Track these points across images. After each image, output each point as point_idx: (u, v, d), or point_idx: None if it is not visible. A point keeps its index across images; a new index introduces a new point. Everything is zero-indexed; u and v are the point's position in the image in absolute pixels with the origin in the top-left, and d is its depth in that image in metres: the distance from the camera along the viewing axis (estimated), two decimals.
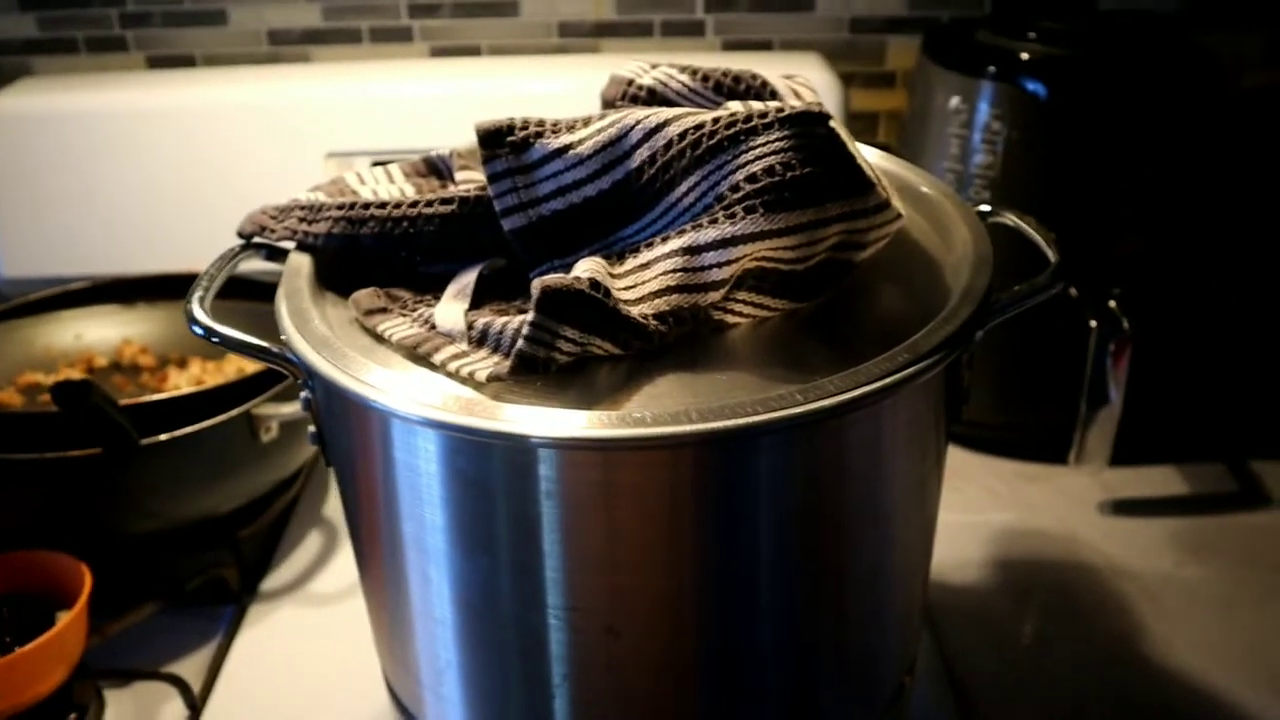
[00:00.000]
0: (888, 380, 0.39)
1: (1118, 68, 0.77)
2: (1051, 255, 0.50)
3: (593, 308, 0.41)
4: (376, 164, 0.57)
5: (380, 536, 0.46)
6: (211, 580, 0.72)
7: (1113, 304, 0.76)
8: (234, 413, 0.68)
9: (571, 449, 0.38)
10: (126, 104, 0.94)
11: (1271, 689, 0.66)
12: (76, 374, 0.83)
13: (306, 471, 0.82)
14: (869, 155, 0.54)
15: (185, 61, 1.03)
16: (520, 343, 0.40)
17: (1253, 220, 0.85)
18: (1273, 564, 0.77)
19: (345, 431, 0.45)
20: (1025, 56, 0.79)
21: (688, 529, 0.41)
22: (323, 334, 0.44)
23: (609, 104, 0.56)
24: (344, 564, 0.77)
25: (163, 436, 0.66)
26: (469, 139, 0.49)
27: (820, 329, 0.46)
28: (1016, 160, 0.80)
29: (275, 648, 0.70)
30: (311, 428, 0.48)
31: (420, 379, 0.42)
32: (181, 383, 0.80)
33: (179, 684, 0.66)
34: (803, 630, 0.45)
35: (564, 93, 0.93)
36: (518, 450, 0.39)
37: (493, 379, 0.41)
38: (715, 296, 0.44)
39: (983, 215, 0.53)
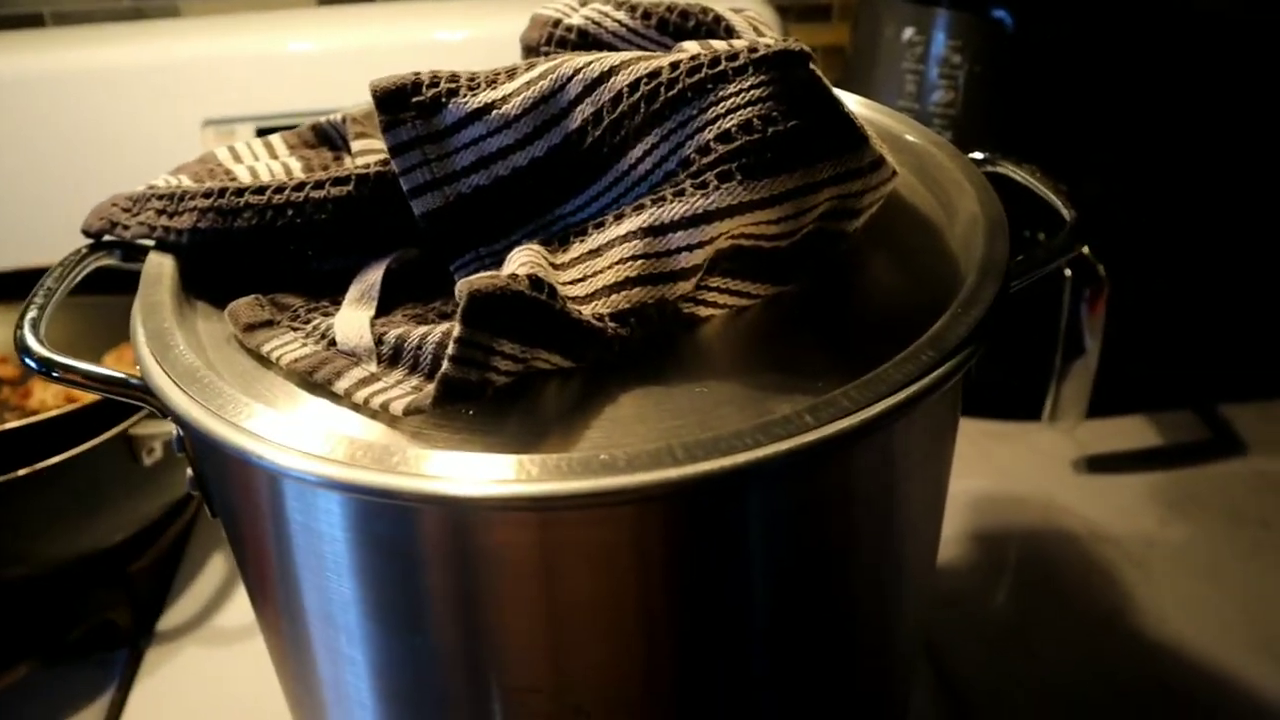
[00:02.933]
0: (915, 388, 0.31)
1: None
2: (1066, 212, 0.43)
3: (534, 312, 0.32)
4: (262, 133, 0.47)
5: (280, 609, 0.37)
6: (98, 625, 0.63)
7: (1085, 249, 0.70)
8: (108, 435, 0.59)
9: (519, 510, 0.29)
10: None
11: (1270, 654, 0.63)
12: None
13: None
14: (847, 101, 0.45)
15: (32, 21, 0.91)
16: (445, 365, 0.31)
17: (1219, 156, 0.80)
18: (1255, 517, 0.74)
19: (228, 486, 0.36)
20: None
21: (660, 588, 0.33)
22: (189, 364, 0.34)
23: (531, 50, 0.47)
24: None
25: (21, 472, 0.56)
26: (366, 99, 0.40)
27: (811, 318, 0.37)
28: (978, 96, 0.73)
29: (178, 695, 0.61)
30: (189, 471, 0.39)
31: (318, 417, 0.33)
32: (47, 398, 0.70)
33: None
34: (803, 682, 0.38)
35: (477, 40, 0.84)
36: (449, 512, 0.30)
37: (411, 412, 0.32)
38: (686, 287, 0.35)
39: (975, 165, 0.46)
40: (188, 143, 0.80)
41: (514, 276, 0.32)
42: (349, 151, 0.47)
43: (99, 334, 0.72)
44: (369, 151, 0.45)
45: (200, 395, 0.32)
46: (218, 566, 0.69)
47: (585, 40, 0.44)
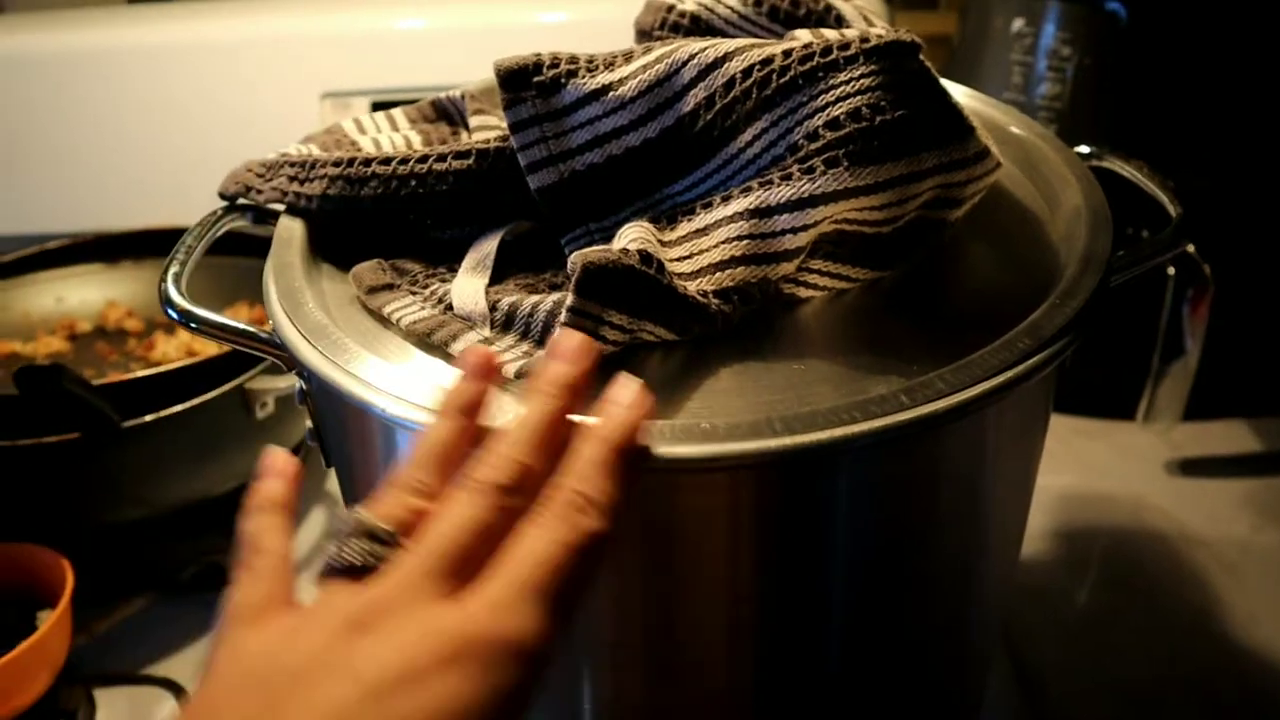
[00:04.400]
0: (1010, 374, 0.32)
1: None
2: (1173, 209, 0.43)
3: (643, 285, 0.34)
4: (377, 107, 0.49)
5: None
6: (207, 567, 0.66)
7: (1191, 248, 0.69)
8: (225, 388, 0.62)
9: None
10: (103, 43, 0.86)
11: None
12: (57, 342, 0.76)
13: (306, 445, 0.76)
14: (953, 92, 0.46)
15: None
16: (557, 330, 0.33)
17: None
18: None
19: (346, 436, 0.39)
20: None
21: (750, 556, 0.34)
22: (317, 321, 0.36)
23: (645, 34, 0.48)
24: None
25: (148, 418, 0.60)
26: (484, 76, 0.42)
27: (909, 304, 0.38)
28: (1087, 90, 0.72)
29: None
30: (309, 423, 0.42)
31: (434, 375, 0.35)
32: (170, 350, 0.73)
33: (172, 688, 0.60)
34: (878, 659, 0.39)
35: (592, 22, 0.85)
36: None
37: (523, 374, 0.34)
38: (788, 268, 0.37)
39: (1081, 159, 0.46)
40: (307, 114, 0.83)
41: (625, 251, 0.34)
42: (466, 127, 0.49)
43: (217, 293, 0.75)
44: (486, 128, 0.47)
45: (327, 350, 0.35)
46: (318, 518, 0.72)
47: (698, 26, 0.45)
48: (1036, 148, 0.46)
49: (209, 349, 0.71)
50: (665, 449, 0.30)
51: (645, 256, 0.34)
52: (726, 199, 0.37)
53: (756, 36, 0.43)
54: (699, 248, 0.36)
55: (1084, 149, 0.47)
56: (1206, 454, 0.78)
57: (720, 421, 0.30)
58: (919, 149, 0.36)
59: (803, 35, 0.40)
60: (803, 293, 0.38)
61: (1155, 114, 0.71)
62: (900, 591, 0.37)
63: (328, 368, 0.34)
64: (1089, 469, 0.78)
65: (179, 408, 0.60)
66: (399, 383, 0.33)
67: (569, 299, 0.33)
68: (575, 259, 0.33)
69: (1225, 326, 0.76)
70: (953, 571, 0.38)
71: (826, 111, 0.36)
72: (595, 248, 0.34)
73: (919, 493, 0.35)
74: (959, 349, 0.34)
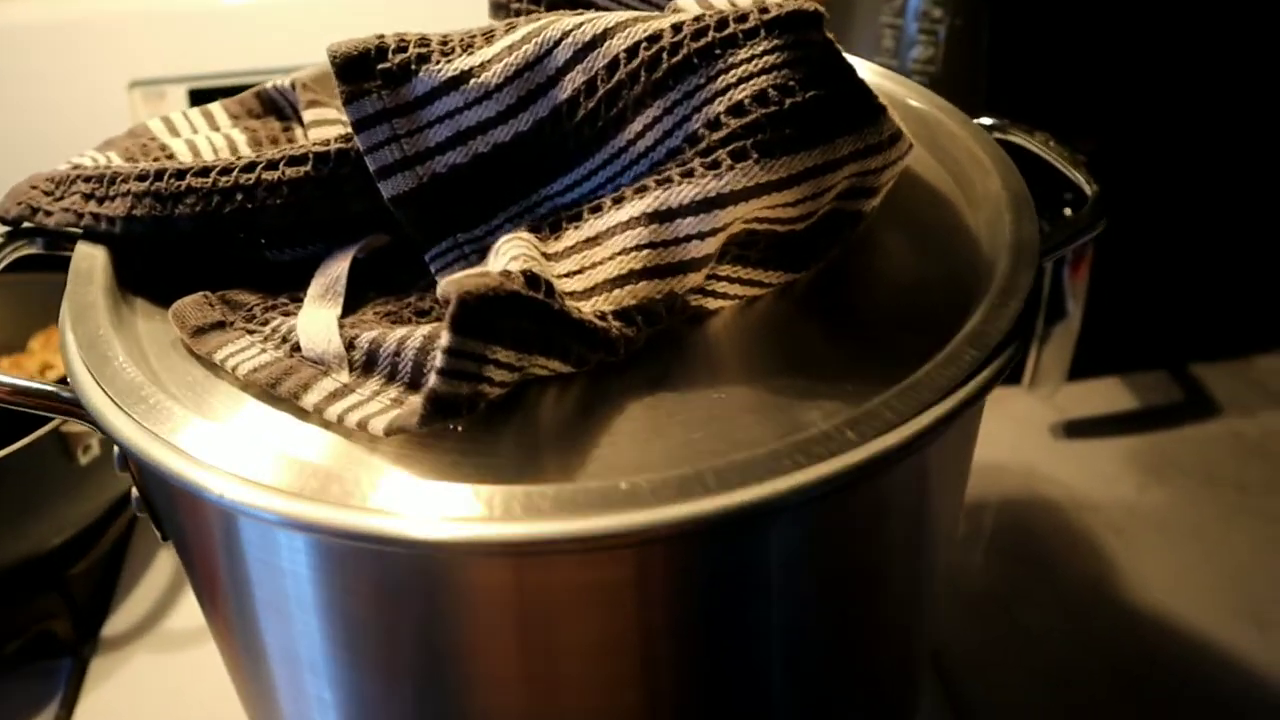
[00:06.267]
0: (962, 393, 0.28)
1: None
2: (1088, 186, 0.40)
3: (532, 314, 0.28)
4: (197, 97, 0.42)
5: (241, 644, 0.33)
6: (37, 637, 0.58)
7: (1068, 211, 0.68)
8: (39, 434, 0.54)
9: (526, 554, 0.25)
10: None
11: (1253, 619, 0.62)
12: None
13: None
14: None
15: None
16: (432, 378, 0.27)
17: (1197, 113, 0.78)
18: (1233, 480, 0.73)
19: (179, 514, 0.32)
20: None
21: (666, 631, 0.29)
22: (129, 379, 0.29)
23: (501, 8, 0.42)
24: None
25: None
26: (318, 59, 0.35)
27: (828, 308, 0.34)
28: (961, 53, 0.69)
29: (128, 705, 0.57)
30: (134, 491, 0.34)
31: (280, 436, 0.29)
32: None
33: None
34: (819, 708, 0.35)
35: None
36: (432, 560, 0.26)
37: (394, 431, 0.28)
38: (696, 279, 0.32)
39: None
40: (113, 107, 0.74)
41: (507, 274, 0.28)
42: (300, 122, 0.42)
43: (22, 317, 0.66)
44: (324, 122, 0.40)
45: (144, 417, 0.28)
46: (164, 565, 0.64)
47: (571, 4, 0.40)
48: (940, 123, 0.42)
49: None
50: (575, 522, 0.24)
51: (531, 278, 0.28)
52: (619, 200, 0.32)
53: (632, 8, 0.38)
54: (591, 260, 0.31)
55: (986, 120, 0.44)
56: (1088, 414, 0.78)
57: (642, 479, 0.25)
58: (833, 134, 0.32)
59: (688, 5, 0.35)
60: (711, 304, 0.33)
61: (1032, 75, 0.69)
62: (841, 636, 0.33)
63: (146, 441, 0.27)
64: (980, 438, 0.77)
65: None
66: (237, 455, 0.27)
67: (445, 338, 0.27)
68: (448, 287, 0.27)
69: (1097, 286, 0.76)
70: (898, 605, 0.35)
71: (728, 95, 0.31)
72: (470, 272, 0.28)
73: (861, 534, 0.30)
74: (890, 359, 0.31)
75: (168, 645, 0.60)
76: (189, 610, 0.62)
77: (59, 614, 0.59)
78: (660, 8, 0.38)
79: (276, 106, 0.43)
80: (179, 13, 0.76)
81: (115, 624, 0.62)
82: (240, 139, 0.41)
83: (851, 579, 0.31)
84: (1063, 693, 0.58)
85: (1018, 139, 0.43)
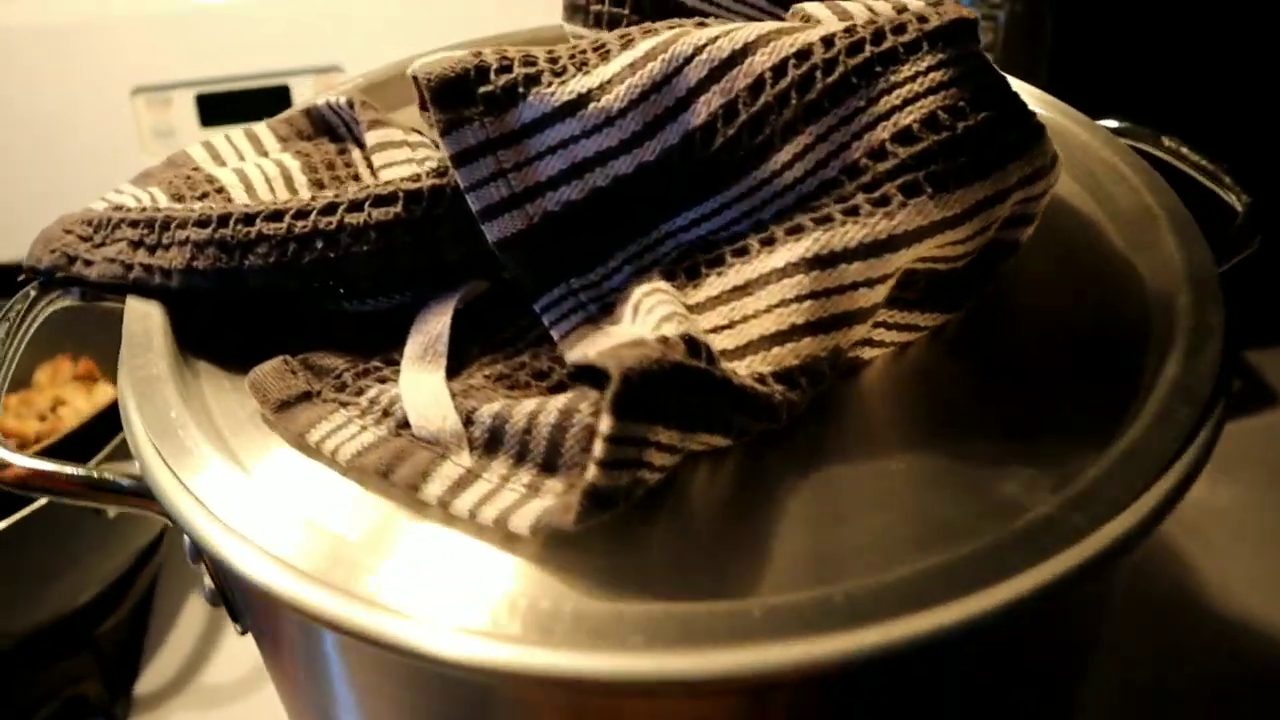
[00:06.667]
0: (1188, 459, 0.24)
1: None
2: (1237, 200, 0.36)
3: (696, 385, 0.24)
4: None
5: None
6: (68, 702, 0.54)
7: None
8: None
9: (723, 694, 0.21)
10: None
11: None
12: None
13: (169, 531, 0.62)
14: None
15: None
16: (593, 471, 0.23)
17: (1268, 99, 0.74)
18: None
19: (262, 618, 0.28)
20: None
21: None
22: (220, 477, 0.25)
23: (578, 10, 0.38)
24: (236, 642, 0.58)
25: None
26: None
27: (983, 352, 0.30)
28: (1021, 38, 0.65)
29: None
30: (208, 582, 0.30)
31: (411, 549, 0.24)
32: None
33: None
34: None
35: None
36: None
37: (542, 531, 0.24)
38: (861, 331, 0.28)
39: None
40: (116, 114, 0.68)
41: (665, 340, 0.24)
42: (359, 143, 0.37)
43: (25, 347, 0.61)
44: (389, 144, 0.35)
45: (236, 520, 0.24)
46: (193, 616, 0.60)
47: (665, 6, 0.35)
48: (1065, 130, 0.38)
49: (38, 436, 0.57)
50: (828, 641, 0.20)
51: (691, 343, 0.24)
52: (769, 242, 0.27)
53: (758, 15, 0.34)
54: (742, 313, 0.27)
55: (1111, 124, 0.40)
56: None
57: (848, 588, 0.21)
58: (1005, 160, 0.28)
59: (821, 12, 0.30)
60: (866, 353, 0.29)
61: (1094, 62, 0.65)
62: None
63: (243, 562, 0.23)
64: None
65: (10, 519, 0.47)
66: (355, 578, 0.23)
67: (606, 424, 0.23)
68: (605, 361, 0.23)
69: None
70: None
71: (893, 120, 0.27)
72: (625, 341, 0.24)
73: (1029, 659, 0.26)
74: (1080, 414, 0.27)
75: (205, 701, 0.56)
76: (225, 663, 0.58)
77: (89, 675, 0.55)
78: (774, 15, 0.34)
79: (329, 126, 0.38)
80: (183, 16, 0.70)
81: (147, 681, 0.57)
82: (294, 165, 0.36)
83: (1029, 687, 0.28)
84: (1149, 706, 0.55)
85: (1144, 147, 0.40)
